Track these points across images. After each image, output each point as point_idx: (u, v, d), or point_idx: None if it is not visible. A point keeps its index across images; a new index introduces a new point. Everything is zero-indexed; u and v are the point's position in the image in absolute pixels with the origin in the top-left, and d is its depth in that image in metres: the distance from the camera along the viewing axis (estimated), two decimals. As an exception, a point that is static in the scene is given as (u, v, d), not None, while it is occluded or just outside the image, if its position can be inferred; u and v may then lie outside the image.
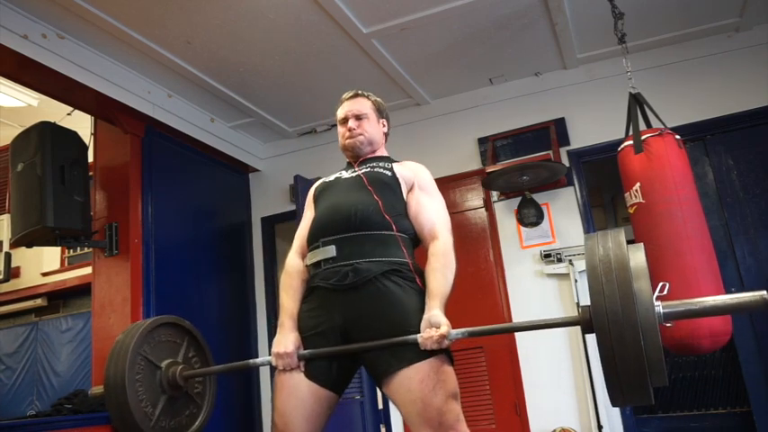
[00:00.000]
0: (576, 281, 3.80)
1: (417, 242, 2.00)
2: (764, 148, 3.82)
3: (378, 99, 2.23)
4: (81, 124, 3.78)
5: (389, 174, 2.02)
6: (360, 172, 2.05)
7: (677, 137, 2.91)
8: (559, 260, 3.90)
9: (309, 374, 1.86)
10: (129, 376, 1.90)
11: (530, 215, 4.03)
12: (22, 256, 5.61)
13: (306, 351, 1.88)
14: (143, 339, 1.99)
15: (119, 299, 3.62)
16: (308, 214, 2.11)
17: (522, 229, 4.10)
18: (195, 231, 4.30)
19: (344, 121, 2.14)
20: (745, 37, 3.91)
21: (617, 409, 3.68)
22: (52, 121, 3.46)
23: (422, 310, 1.78)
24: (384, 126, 2.22)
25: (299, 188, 4.14)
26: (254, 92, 4.10)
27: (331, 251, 1.89)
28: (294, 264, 2.03)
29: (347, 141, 2.11)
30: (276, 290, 4.79)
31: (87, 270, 5.12)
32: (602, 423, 3.58)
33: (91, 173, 3.73)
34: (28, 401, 5.84)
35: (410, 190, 2.01)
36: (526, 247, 4.08)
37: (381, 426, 4.16)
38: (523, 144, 4.19)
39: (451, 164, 4.40)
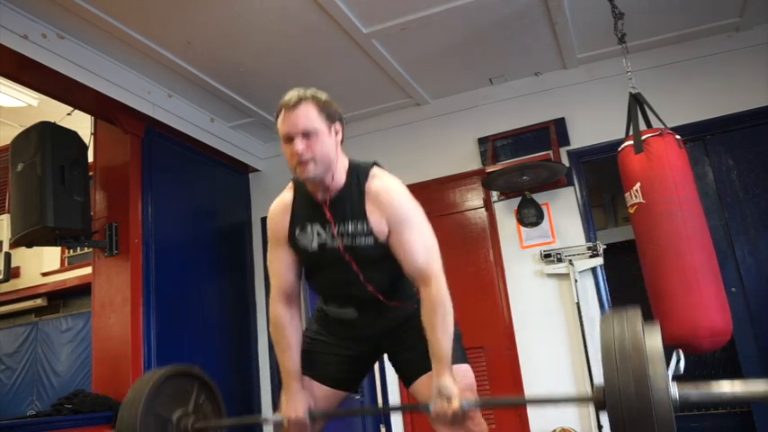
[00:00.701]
0: (575, 281, 3.80)
1: None
2: (764, 147, 3.81)
3: (325, 98, 1.80)
4: (81, 124, 3.78)
5: (371, 242, 1.77)
6: (339, 244, 1.78)
7: (677, 137, 2.91)
8: (559, 260, 3.90)
9: (326, 379, 1.93)
10: None
11: (530, 215, 4.03)
12: (22, 256, 5.61)
13: (317, 411, 1.87)
14: (153, 395, 1.89)
15: (119, 299, 3.62)
16: (283, 255, 1.88)
17: (522, 229, 4.09)
18: (195, 231, 4.29)
19: (289, 139, 1.73)
20: (746, 37, 3.91)
21: (617, 409, 3.68)
22: (52, 121, 3.46)
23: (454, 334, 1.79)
24: (338, 133, 1.81)
25: (299, 188, 4.14)
26: (254, 92, 4.10)
27: (352, 313, 1.89)
28: (281, 315, 1.89)
29: (299, 172, 1.74)
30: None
31: (87, 270, 5.12)
32: (602, 423, 3.58)
33: (91, 173, 3.73)
34: (28, 401, 5.84)
35: (389, 232, 1.78)
36: (526, 247, 4.08)
37: (381, 426, 4.16)
38: (523, 144, 4.19)
39: (451, 164, 4.40)
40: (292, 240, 1.85)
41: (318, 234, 1.81)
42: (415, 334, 1.82)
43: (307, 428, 1.81)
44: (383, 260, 1.80)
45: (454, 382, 1.70)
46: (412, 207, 1.82)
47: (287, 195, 1.91)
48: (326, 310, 1.96)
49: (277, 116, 1.79)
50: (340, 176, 1.80)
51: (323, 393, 1.93)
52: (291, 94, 1.77)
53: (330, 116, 1.78)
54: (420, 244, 1.78)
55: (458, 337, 1.86)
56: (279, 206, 1.91)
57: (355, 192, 1.78)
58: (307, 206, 1.84)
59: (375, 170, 1.83)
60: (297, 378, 1.86)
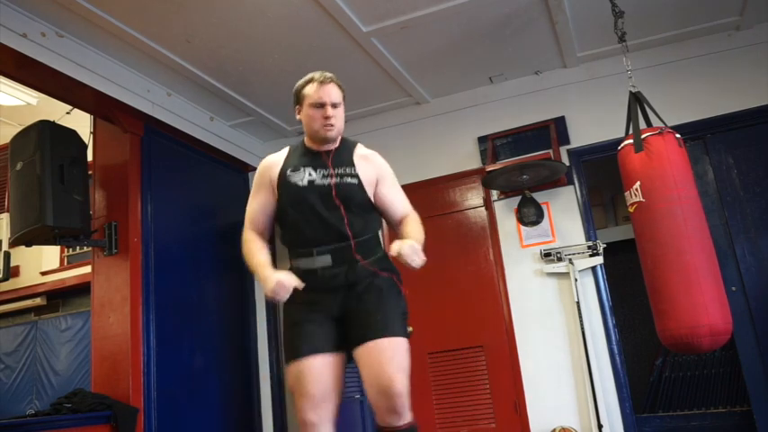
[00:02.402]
0: (576, 280, 3.80)
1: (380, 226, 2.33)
2: (765, 146, 3.81)
3: (343, 86, 2.29)
4: (80, 123, 3.78)
5: (356, 182, 2.18)
6: (332, 181, 2.15)
7: (677, 136, 2.90)
8: (559, 259, 3.90)
9: (316, 349, 2.06)
10: None
11: (530, 214, 4.02)
12: (22, 256, 5.59)
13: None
14: None
15: (118, 298, 3.61)
16: (263, 197, 2.25)
17: (522, 228, 4.09)
18: (195, 230, 4.29)
19: (321, 105, 2.18)
20: (746, 36, 3.90)
21: (617, 408, 3.68)
22: (51, 120, 3.46)
23: (401, 309, 2.16)
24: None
25: (298, 187, 4.14)
26: (254, 90, 4.10)
27: (327, 260, 2.11)
28: (254, 236, 2.25)
29: (324, 131, 2.17)
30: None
31: (87, 269, 5.11)
32: (602, 422, 3.58)
33: (90, 172, 3.72)
34: (27, 401, 5.83)
35: (376, 184, 2.23)
36: (526, 246, 4.08)
37: (381, 425, 4.15)
38: (523, 143, 4.19)
39: (451, 163, 4.40)
40: (282, 179, 2.19)
41: (310, 174, 2.18)
42: (374, 299, 2.10)
43: (288, 287, 2.03)
44: (363, 208, 2.18)
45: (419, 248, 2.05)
46: (391, 171, 2.32)
47: (282, 151, 2.31)
48: (298, 265, 2.16)
49: (304, 85, 2.24)
50: (338, 140, 2.27)
51: (324, 364, 2.07)
52: (321, 73, 2.22)
53: (344, 98, 2.28)
54: (401, 198, 2.30)
55: (404, 314, 2.17)
56: (272, 156, 2.30)
57: (347, 150, 2.26)
58: (304, 156, 2.24)
59: (357, 142, 2.33)
60: (270, 265, 2.15)
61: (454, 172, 4.39)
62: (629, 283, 4.91)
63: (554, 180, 4.02)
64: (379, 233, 2.31)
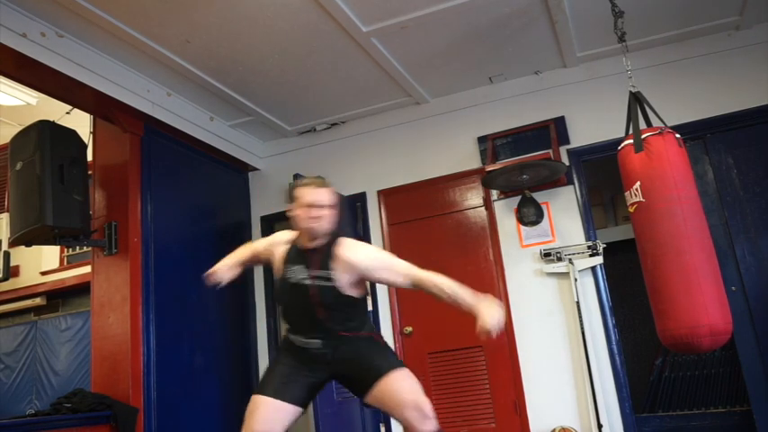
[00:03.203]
0: (575, 280, 3.79)
1: (365, 309, 2.55)
2: (765, 146, 3.81)
3: (337, 194, 2.51)
4: (80, 123, 3.78)
5: (331, 285, 2.35)
6: (312, 283, 2.35)
7: (677, 135, 2.90)
8: (559, 259, 3.90)
9: (278, 394, 2.32)
10: None
11: (529, 214, 4.02)
12: (22, 255, 5.59)
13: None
14: None
15: (118, 298, 3.61)
16: (261, 250, 2.57)
17: (522, 228, 4.09)
18: (195, 230, 4.29)
19: (310, 206, 2.36)
20: (746, 35, 3.90)
21: (617, 408, 3.68)
22: (51, 120, 3.46)
23: (388, 349, 2.50)
24: (335, 214, 2.48)
25: (298, 187, 4.14)
26: (254, 90, 4.10)
27: (317, 344, 2.37)
28: (238, 253, 2.62)
29: (308, 223, 2.36)
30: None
31: (86, 269, 5.11)
32: (602, 422, 3.58)
33: (90, 171, 3.72)
34: (27, 401, 5.83)
35: (359, 279, 2.38)
36: (526, 246, 4.08)
37: (381, 425, 4.16)
38: (523, 143, 4.19)
39: (451, 163, 4.40)
40: (281, 269, 2.43)
41: (297, 273, 2.39)
42: (365, 352, 2.39)
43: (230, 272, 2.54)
44: (344, 304, 2.37)
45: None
46: (370, 253, 2.44)
47: (291, 236, 2.50)
48: (293, 340, 2.41)
49: (299, 187, 2.44)
50: (324, 239, 2.42)
51: (278, 409, 2.32)
52: (317, 179, 2.47)
53: (336, 204, 2.44)
54: (398, 268, 2.38)
55: (392, 351, 2.53)
56: (286, 236, 2.52)
57: (329, 252, 2.39)
58: (296, 251, 2.45)
59: (343, 239, 2.44)
60: (239, 262, 2.59)
61: (454, 172, 4.39)
62: (629, 283, 4.91)
63: (554, 180, 4.01)
64: (366, 310, 2.58)
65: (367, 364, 2.37)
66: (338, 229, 2.48)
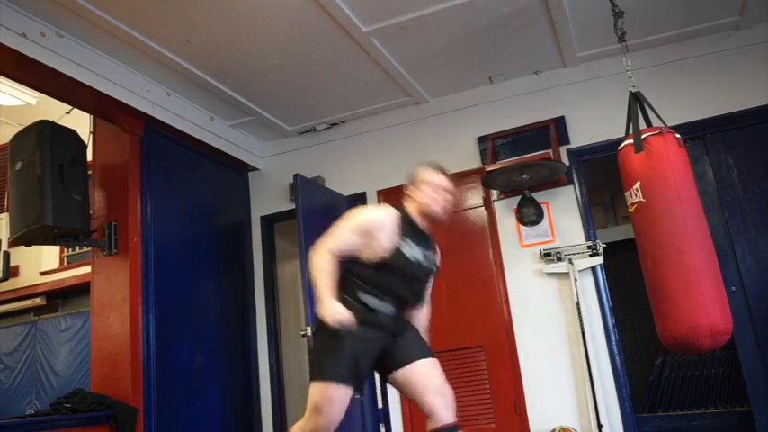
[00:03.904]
0: (575, 280, 3.79)
1: None
2: (765, 146, 3.81)
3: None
4: (80, 123, 3.78)
5: (437, 267, 2.64)
6: (428, 261, 2.53)
7: (677, 135, 2.90)
8: (559, 259, 3.89)
9: (356, 387, 2.35)
10: None
11: (529, 214, 4.02)
12: (21, 255, 5.59)
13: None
14: None
15: (118, 298, 3.61)
16: (357, 240, 2.41)
17: (522, 228, 4.09)
18: (195, 230, 4.29)
19: (445, 190, 2.53)
20: (746, 35, 3.90)
21: (617, 408, 3.68)
22: (51, 120, 3.46)
23: (420, 337, 2.56)
24: None
25: (298, 187, 4.13)
26: (254, 90, 4.10)
27: (392, 310, 2.43)
28: (333, 259, 2.40)
29: (440, 209, 2.51)
30: (276, 290, 4.80)
31: (86, 269, 5.11)
32: (602, 422, 3.58)
33: (90, 171, 3.72)
34: (27, 401, 5.83)
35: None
36: (526, 246, 4.08)
37: (381, 425, 4.16)
38: (523, 143, 4.18)
39: (451, 162, 4.35)
40: (397, 249, 2.40)
41: (418, 250, 2.47)
42: (412, 333, 2.53)
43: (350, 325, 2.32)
44: (430, 285, 2.60)
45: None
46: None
47: (394, 211, 2.51)
48: (366, 300, 2.39)
49: (434, 169, 2.61)
50: (429, 225, 2.56)
51: (349, 399, 2.34)
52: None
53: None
54: None
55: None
56: (393, 216, 2.48)
57: (431, 237, 2.59)
58: (411, 227, 2.49)
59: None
60: (333, 293, 2.35)
61: (454, 172, 4.36)
62: (629, 283, 4.91)
63: (554, 180, 4.01)
64: None
65: (411, 342, 2.48)
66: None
